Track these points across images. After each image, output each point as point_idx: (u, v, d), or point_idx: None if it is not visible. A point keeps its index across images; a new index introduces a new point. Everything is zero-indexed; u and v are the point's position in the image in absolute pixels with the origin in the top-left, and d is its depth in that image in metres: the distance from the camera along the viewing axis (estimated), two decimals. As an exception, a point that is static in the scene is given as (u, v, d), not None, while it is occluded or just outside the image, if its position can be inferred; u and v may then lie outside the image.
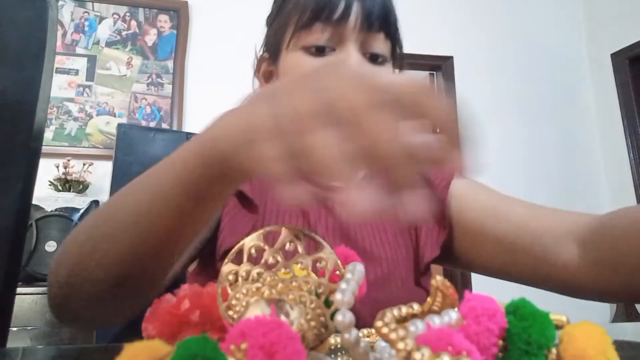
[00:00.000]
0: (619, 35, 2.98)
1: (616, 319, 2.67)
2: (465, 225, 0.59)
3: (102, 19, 2.52)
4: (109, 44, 2.50)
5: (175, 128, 2.42)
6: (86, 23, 2.50)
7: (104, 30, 2.51)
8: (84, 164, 2.19)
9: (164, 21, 2.58)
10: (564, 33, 3.22)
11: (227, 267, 0.25)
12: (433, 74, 3.00)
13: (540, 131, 2.98)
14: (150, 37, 2.55)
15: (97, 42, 2.49)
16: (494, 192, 0.62)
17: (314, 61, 0.55)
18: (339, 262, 0.26)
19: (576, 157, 3.02)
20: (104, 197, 2.13)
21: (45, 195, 2.02)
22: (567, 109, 3.09)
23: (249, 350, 0.17)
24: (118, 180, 0.82)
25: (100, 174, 2.25)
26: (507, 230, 0.55)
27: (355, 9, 0.54)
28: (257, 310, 0.22)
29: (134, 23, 2.55)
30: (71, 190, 2.09)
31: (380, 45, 0.56)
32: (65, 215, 1.81)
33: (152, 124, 2.43)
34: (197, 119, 2.47)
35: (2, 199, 0.40)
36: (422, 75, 3.06)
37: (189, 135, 0.92)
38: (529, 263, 0.53)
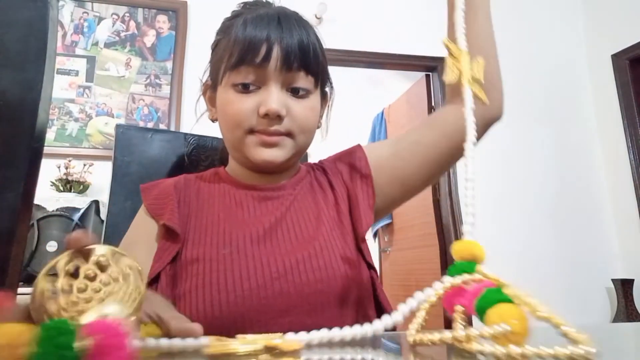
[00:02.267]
0: (619, 37, 2.98)
1: (616, 319, 2.67)
2: (383, 162, 0.73)
3: (101, 19, 2.52)
4: (108, 45, 2.50)
5: (172, 129, 2.42)
6: (85, 24, 2.50)
7: (103, 31, 2.51)
8: (85, 165, 2.19)
9: (163, 22, 2.58)
10: (563, 34, 3.22)
11: (41, 284, 0.30)
12: (429, 74, 3.00)
13: (539, 132, 2.98)
14: (149, 38, 2.55)
15: (96, 43, 2.49)
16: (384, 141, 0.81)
17: (241, 98, 0.63)
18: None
19: (576, 158, 3.02)
20: (104, 197, 2.13)
21: (47, 195, 2.03)
22: (567, 109, 3.09)
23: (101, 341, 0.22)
24: (118, 181, 0.82)
25: (100, 175, 2.25)
26: (409, 139, 0.74)
27: (275, 53, 0.61)
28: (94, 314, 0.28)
29: (132, 24, 2.55)
30: (72, 190, 2.09)
31: (301, 80, 0.64)
32: (66, 215, 1.81)
33: (150, 125, 2.43)
34: (194, 119, 2.47)
35: (4, 199, 0.40)
36: (419, 75, 3.07)
37: (186, 135, 0.92)
38: (443, 138, 0.71)
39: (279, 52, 0.61)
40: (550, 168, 2.94)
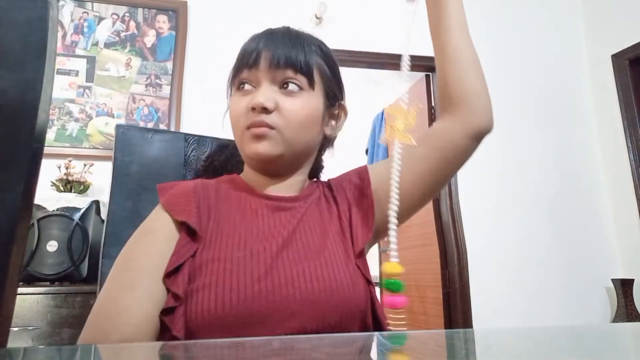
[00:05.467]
0: (619, 37, 2.98)
1: (616, 319, 2.67)
2: (384, 183, 0.76)
3: (101, 19, 2.52)
4: (108, 45, 2.50)
5: (172, 129, 2.43)
6: (85, 24, 2.50)
7: (103, 32, 2.51)
8: (85, 165, 2.19)
9: (163, 22, 2.58)
10: (563, 34, 3.22)
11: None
12: (429, 75, 3.00)
13: (539, 133, 2.98)
14: (150, 39, 2.55)
15: (96, 44, 2.49)
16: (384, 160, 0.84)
17: (239, 98, 0.71)
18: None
19: (576, 158, 3.02)
20: (104, 197, 2.13)
21: (47, 195, 2.03)
22: (567, 110, 3.09)
23: None
24: (118, 181, 0.82)
25: (100, 175, 2.25)
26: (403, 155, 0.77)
27: (264, 55, 0.70)
28: None
29: (132, 24, 2.55)
30: (72, 190, 2.09)
31: (290, 77, 0.71)
32: (66, 215, 1.81)
33: (150, 125, 2.43)
34: (194, 120, 2.47)
35: (4, 199, 0.40)
36: (419, 76, 3.07)
37: (186, 136, 0.92)
38: (433, 151, 0.76)
39: (268, 54, 0.70)
40: (550, 168, 2.94)
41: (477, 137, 0.77)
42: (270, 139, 0.69)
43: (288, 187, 0.75)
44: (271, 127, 0.68)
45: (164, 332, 0.59)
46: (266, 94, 0.69)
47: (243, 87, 0.71)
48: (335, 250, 0.69)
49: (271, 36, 0.72)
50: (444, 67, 0.79)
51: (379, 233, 0.78)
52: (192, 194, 0.69)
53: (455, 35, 0.79)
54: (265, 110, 0.68)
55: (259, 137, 0.68)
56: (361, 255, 0.73)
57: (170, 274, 0.61)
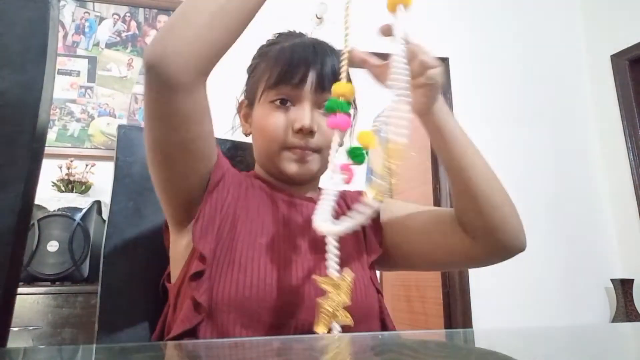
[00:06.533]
0: (618, 37, 2.98)
1: (616, 319, 2.67)
2: (394, 224, 0.79)
3: (102, 19, 2.52)
4: (109, 45, 2.50)
5: (175, 129, 2.43)
6: (86, 24, 2.50)
7: (104, 32, 2.51)
8: (87, 165, 2.19)
9: (164, 22, 2.58)
10: (563, 35, 3.22)
11: None
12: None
13: (539, 133, 2.98)
14: (151, 39, 2.55)
15: (97, 44, 2.49)
16: (403, 203, 0.84)
17: (277, 114, 0.71)
18: None
19: (576, 158, 3.02)
20: (105, 197, 2.13)
21: (48, 196, 2.03)
22: (567, 110, 3.09)
23: None
24: (120, 181, 0.82)
25: (102, 175, 2.25)
26: (422, 219, 0.79)
27: (311, 76, 0.71)
28: None
29: (133, 24, 2.55)
30: (73, 190, 2.09)
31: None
32: (67, 215, 1.81)
33: (153, 125, 2.43)
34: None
35: (4, 199, 0.40)
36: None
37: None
38: (438, 238, 0.75)
39: (314, 75, 0.71)
40: (549, 168, 2.94)
41: (503, 259, 0.78)
42: (312, 161, 0.72)
43: (305, 191, 0.79)
44: (314, 151, 0.71)
45: (186, 299, 0.61)
46: (312, 117, 0.70)
47: (283, 103, 0.71)
48: (351, 257, 0.72)
49: (314, 53, 0.72)
50: (463, 202, 0.73)
51: (386, 262, 0.80)
52: (238, 172, 0.74)
53: (473, 178, 0.72)
54: (310, 133, 0.70)
55: (303, 161, 0.71)
56: (372, 267, 0.76)
57: (200, 234, 0.63)
